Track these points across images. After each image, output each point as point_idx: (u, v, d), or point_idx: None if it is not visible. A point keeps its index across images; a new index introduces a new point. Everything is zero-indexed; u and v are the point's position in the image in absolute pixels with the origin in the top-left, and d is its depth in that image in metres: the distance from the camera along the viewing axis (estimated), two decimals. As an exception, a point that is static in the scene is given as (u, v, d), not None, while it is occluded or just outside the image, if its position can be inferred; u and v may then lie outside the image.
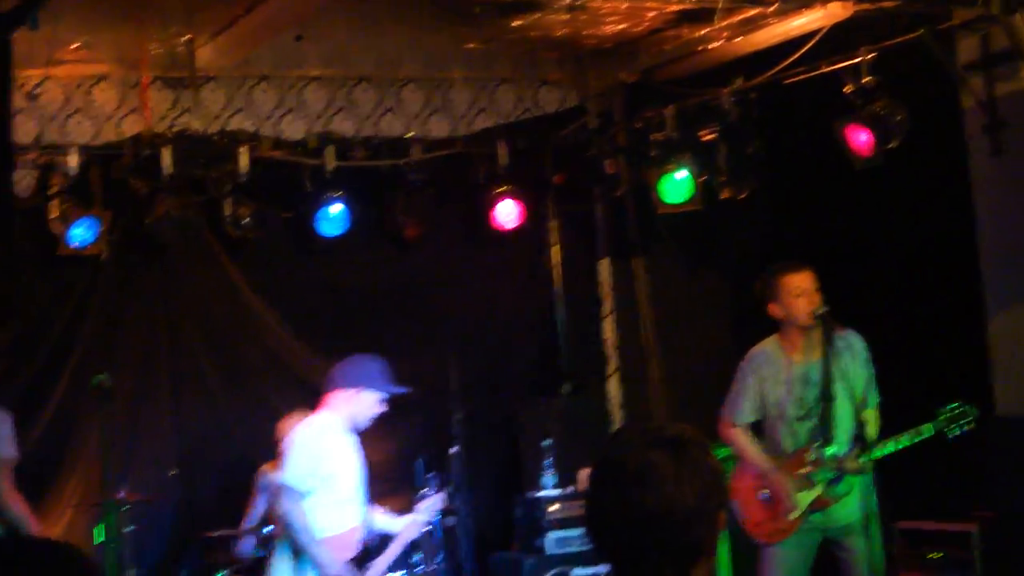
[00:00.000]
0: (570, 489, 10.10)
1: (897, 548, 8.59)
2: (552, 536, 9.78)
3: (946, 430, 7.38)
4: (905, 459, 7.40)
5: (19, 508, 8.00)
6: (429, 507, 8.15)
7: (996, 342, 9.05)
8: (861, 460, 7.13)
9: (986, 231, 9.10)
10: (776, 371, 7.69)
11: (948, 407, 7.40)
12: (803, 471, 7.58)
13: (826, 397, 7.49)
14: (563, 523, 9.83)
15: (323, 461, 7.51)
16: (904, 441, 7.35)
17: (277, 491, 7.64)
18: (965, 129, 9.07)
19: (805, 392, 7.59)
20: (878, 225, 9.75)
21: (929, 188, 9.36)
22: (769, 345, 7.79)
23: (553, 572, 9.63)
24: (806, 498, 7.56)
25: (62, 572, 2.62)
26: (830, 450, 7.51)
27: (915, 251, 9.57)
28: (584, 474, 10.06)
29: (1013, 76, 8.71)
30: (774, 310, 7.66)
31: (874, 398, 7.69)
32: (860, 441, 7.12)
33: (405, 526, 8.01)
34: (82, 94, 10.06)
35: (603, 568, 9.66)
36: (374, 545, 7.86)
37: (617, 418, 11.43)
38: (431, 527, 8.38)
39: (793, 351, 7.67)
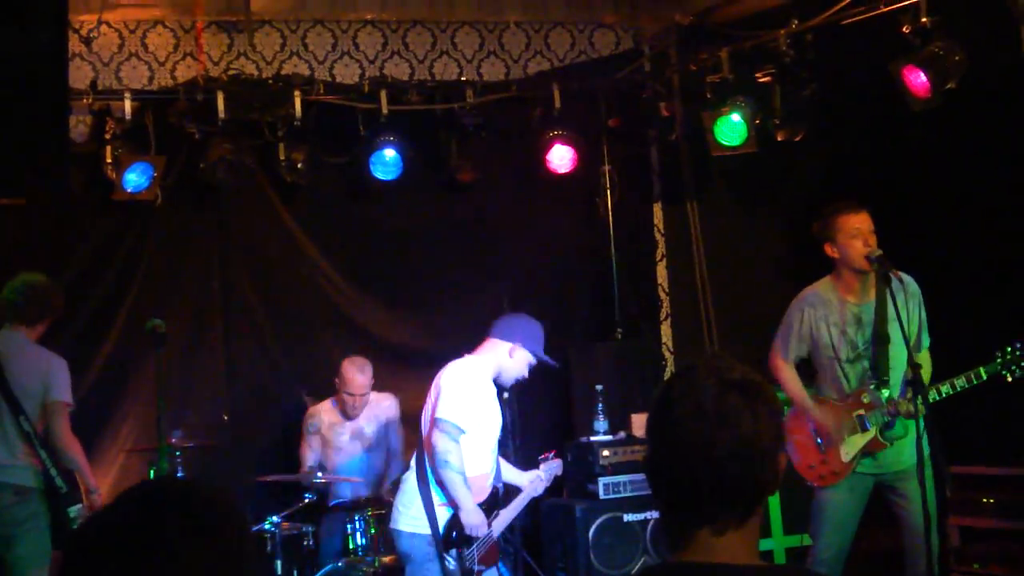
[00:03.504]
0: (621, 434, 10.03)
1: (951, 493, 8.53)
2: (603, 481, 9.72)
3: (1004, 372, 7.32)
4: (959, 403, 7.34)
5: (75, 452, 8.05)
6: (551, 467, 8.24)
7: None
8: (916, 403, 7.03)
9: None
10: (828, 312, 7.64)
11: (1006, 349, 7.33)
12: (857, 413, 7.54)
13: (880, 339, 7.45)
14: (615, 468, 9.77)
15: (476, 405, 7.56)
16: (960, 384, 7.29)
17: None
18: (1025, 69, 8.93)
19: (858, 333, 7.55)
20: (935, 167, 9.63)
21: (987, 129, 9.23)
22: (822, 286, 7.73)
23: (604, 518, 9.58)
24: (859, 440, 7.52)
25: (221, 516, 2.49)
26: (885, 392, 7.46)
27: (973, 193, 9.47)
28: (639, 419, 10.03)
29: (1076, 14, 8.55)
30: (830, 250, 7.59)
31: (926, 341, 7.64)
32: (913, 384, 7.04)
33: (530, 481, 8.11)
34: (136, 39, 10.12)
35: (654, 513, 9.60)
36: (501, 494, 7.91)
37: (670, 362, 11.39)
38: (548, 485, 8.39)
39: (847, 292, 7.61)
